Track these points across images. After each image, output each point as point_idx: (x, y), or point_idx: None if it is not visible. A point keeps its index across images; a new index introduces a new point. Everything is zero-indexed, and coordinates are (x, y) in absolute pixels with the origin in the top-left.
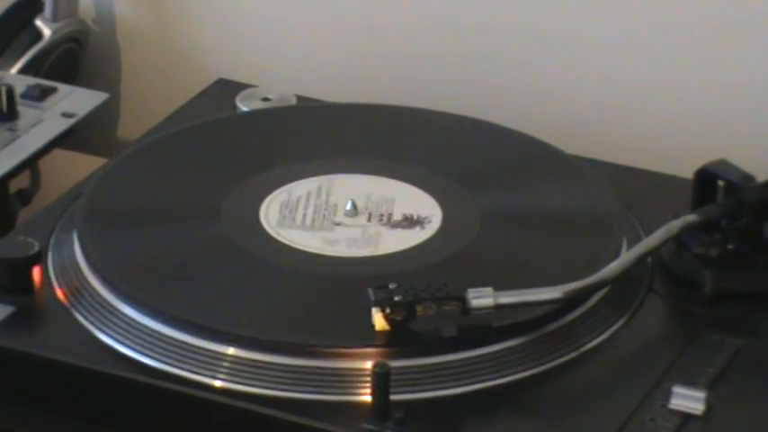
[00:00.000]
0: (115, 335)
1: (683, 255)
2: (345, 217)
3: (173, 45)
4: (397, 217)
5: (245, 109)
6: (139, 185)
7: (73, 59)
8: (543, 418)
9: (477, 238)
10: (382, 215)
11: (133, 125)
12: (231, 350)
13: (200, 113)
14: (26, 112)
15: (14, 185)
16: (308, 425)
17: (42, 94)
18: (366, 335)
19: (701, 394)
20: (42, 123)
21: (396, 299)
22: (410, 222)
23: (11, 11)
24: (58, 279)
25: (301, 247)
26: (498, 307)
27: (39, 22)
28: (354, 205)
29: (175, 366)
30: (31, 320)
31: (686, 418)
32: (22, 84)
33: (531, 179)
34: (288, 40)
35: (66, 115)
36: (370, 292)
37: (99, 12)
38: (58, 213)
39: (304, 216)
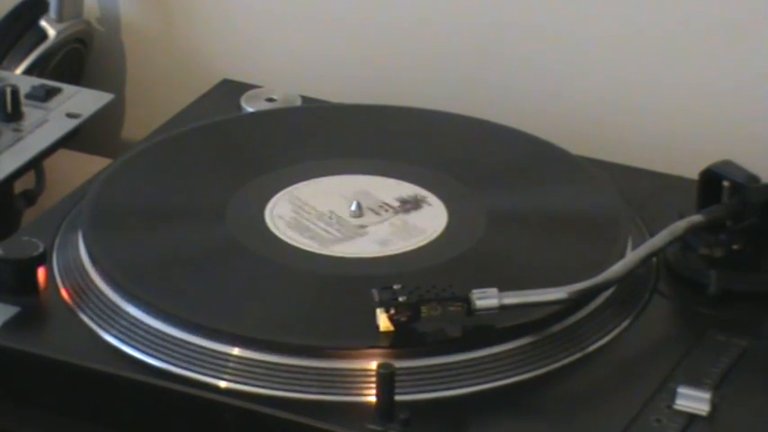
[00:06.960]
0: (120, 335)
1: (688, 255)
2: (350, 218)
3: (178, 45)
4: (401, 214)
5: (249, 109)
6: (144, 186)
7: (78, 60)
8: (548, 419)
9: (482, 238)
10: (387, 216)
11: (138, 126)
12: (236, 350)
13: (205, 114)
14: (31, 112)
15: (19, 186)
16: (313, 425)
17: (47, 95)
18: (371, 335)
19: (706, 395)
20: (47, 124)
21: (400, 299)
22: (410, 204)
23: (16, 11)
24: (62, 279)
25: (306, 248)
26: (503, 308)
27: (44, 23)
28: (359, 206)
29: (180, 367)
30: (36, 321)
31: (691, 418)
32: (26, 84)
33: (536, 179)
34: (293, 41)
35: (70, 116)
36: (375, 292)
37: (104, 12)
38: (63, 214)
39: (309, 217)
